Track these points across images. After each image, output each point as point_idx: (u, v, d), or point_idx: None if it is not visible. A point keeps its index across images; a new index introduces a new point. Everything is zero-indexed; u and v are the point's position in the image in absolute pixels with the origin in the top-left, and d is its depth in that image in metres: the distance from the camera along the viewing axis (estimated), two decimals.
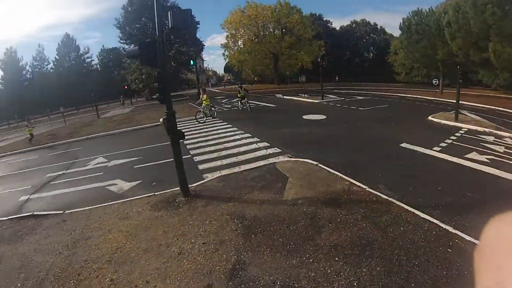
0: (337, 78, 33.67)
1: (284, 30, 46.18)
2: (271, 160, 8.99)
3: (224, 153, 10.33)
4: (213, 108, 18.52)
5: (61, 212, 7.49)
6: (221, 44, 49.64)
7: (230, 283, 4.16)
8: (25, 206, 8.65)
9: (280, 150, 9.88)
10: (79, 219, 6.91)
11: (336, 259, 4.39)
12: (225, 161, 9.46)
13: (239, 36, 47.24)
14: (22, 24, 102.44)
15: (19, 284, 5.00)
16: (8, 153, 18.23)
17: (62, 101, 41.51)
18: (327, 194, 6.41)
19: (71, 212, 7.40)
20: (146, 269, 4.70)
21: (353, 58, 57.04)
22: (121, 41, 46.52)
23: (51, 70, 57.21)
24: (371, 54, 58.92)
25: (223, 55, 50.50)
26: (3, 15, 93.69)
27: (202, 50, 56.07)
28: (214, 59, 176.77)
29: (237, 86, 21.52)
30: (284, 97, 27.78)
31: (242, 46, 47.77)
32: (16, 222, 7.44)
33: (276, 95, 30.48)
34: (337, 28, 58.88)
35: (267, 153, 9.83)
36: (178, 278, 4.37)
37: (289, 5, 44.67)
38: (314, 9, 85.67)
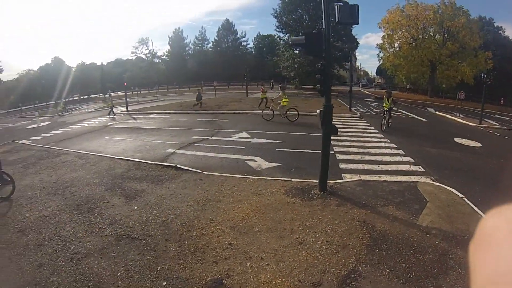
0: (502, 100, 27.98)
1: (446, 35, 40.81)
2: (413, 178, 8.38)
3: (366, 158, 10.18)
4: (290, 111, 17.10)
5: (200, 171, 8.80)
6: (377, 45, 47.57)
7: None
8: (170, 157, 10.57)
9: (423, 170, 9.08)
10: (214, 182, 7.93)
11: None
12: (366, 166, 9.36)
13: (396, 38, 43.88)
14: (189, 10, 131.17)
15: (150, 217, 6.21)
16: (163, 111, 22.92)
17: (215, 76, 49.23)
18: (465, 234, 5.56)
19: (208, 174, 8.59)
20: (265, 246, 5.05)
21: None
22: (277, 29, 51.46)
23: (210, 49, 72.14)
24: None
25: (378, 56, 48.75)
26: (177, 2, 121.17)
27: (356, 48, 55.05)
28: (366, 59, 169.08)
29: (384, 92, 17.03)
30: (436, 112, 25.04)
31: (398, 49, 44.50)
32: (161, 168, 9.25)
33: (427, 108, 27.70)
34: (510, 37, 47.96)
35: (410, 169, 9.21)
36: (292, 266, 4.56)
37: (454, 6, 38.89)
38: (484, 11, 70.36)
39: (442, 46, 39.99)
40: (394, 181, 8.08)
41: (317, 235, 5.34)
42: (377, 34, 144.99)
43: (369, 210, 6.35)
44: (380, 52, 47.22)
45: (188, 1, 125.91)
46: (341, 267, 4.52)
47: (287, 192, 7.17)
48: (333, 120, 15.97)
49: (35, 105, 45.28)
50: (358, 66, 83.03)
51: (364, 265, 4.58)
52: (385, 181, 8.03)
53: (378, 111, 23.36)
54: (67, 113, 33.92)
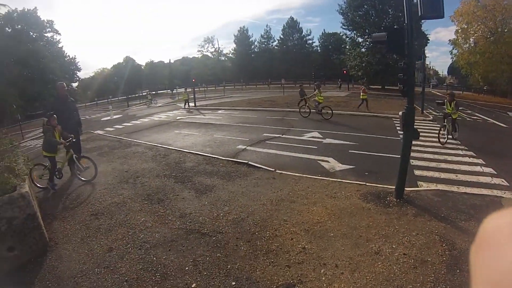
0: None
1: None
2: (495, 192, 7.48)
3: (443, 165, 9.39)
4: (326, 109, 17.60)
5: (273, 170, 8.65)
6: (449, 40, 43.92)
7: None
8: (241, 154, 10.61)
9: (507, 184, 8.02)
10: (288, 181, 7.73)
11: None
12: (442, 175, 8.60)
13: (471, 32, 39.80)
14: (252, 8, 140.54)
15: (221, 214, 6.15)
16: (231, 108, 23.58)
17: (282, 74, 49.60)
18: None
19: (281, 173, 8.41)
20: (339, 253, 4.79)
21: None
22: (343, 27, 50.24)
23: (275, 47, 74.36)
24: None
25: (450, 53, 45.10)
26: (239, 1, 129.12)
27: (426, 45, 50.99)
28: (436, 57, 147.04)
29: (446, 95, 13.98)
30: None
31: (473, 44, 40.26)
32: (232, 164, 9.29)
33: (508, 113, 24.71)
34: None
35: (492, 182, 8.22)
36: (367, 277, 4.28)
37: None
38: None
39: None
40: (476, 194, 7.35)
41: (394, 246, 4.98)
42: (448, 28, 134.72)
43: (449, 224, 5.84)
44: (453, 48, 43.49)
45: (250, 0, 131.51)
46: (419, 285, 4.15)
47: (362, 197, 6.82)
48: None
49: (109, 100, 50.21)
50: (427, 64, 79.26)
51: (443, 286, 4.17)
52: (465, 193, 7.36)
53: None
54: (153, 104, 38.58)
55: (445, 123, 12.39)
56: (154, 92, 61.66)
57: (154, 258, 4.78)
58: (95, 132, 16.94)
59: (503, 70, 37.80)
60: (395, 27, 6.83)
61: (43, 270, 4.68)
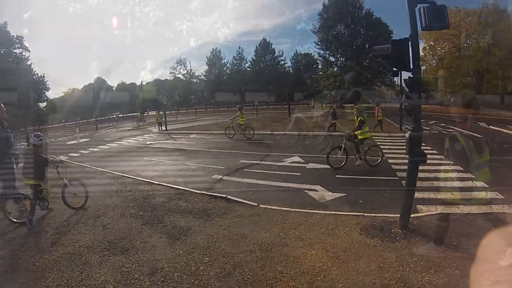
0: None
1: (491, 41, 37.79)
2: (495, 208, 6.98)
3: (435, 183, 8.67)
4: (248, 129, 19.12)
5: (256, 204, 7.44)
6: None
7: None
8: (217, 185, 9.36)
9: (502, 197, 7.56)
10: (275, 218, 6.57)
11: None
12: (439, 195, 7.82)
13: (439, 49, 42.19)
14: (225, 30, 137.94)
15: (201, 267, 4.82)
16: (204, 131, 23.03)
17: (255, 96, 49.84)
18: None
19: (266, 207, 7.23)
20: None
21: None
22: (316, 46, 52.33)
23: (248, 69, 73.65)
24: None
25: None
26: (211, 24, 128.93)
27: None
28: (402, 73, 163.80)
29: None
30: (490, 127, 22.56)
31: (439, 60, 42.71)
32: (208, 199, 7.96)
33: (478, 123, 25.13)
34: None
35: (487, 196, 7.56)
36: None
37: (498, 8, 36.18)
38: None
39: (488, 54, 37.41)
40: (479, 213, 6.69)
41: None
42: None
43: (466, 253, 5.05)
44: (421, 64, 45.74)
45: (223, 22, 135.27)
46: None
47: (364, 232, 5.85)
48: (386, 140, 14.83)
49: (77, 122, 48.37)
50: (394, 81, 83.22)
51: None
52: (469, 213, 6.74)
53: (429, 128, 21.67)
54: (142, 122, 40.73)
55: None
56: (124, 115, 60.45)
57: None
58: (57, 158, 15.38)
59: (467, 84, 39.57)
60: (400, 38, 6.22)
61: None
